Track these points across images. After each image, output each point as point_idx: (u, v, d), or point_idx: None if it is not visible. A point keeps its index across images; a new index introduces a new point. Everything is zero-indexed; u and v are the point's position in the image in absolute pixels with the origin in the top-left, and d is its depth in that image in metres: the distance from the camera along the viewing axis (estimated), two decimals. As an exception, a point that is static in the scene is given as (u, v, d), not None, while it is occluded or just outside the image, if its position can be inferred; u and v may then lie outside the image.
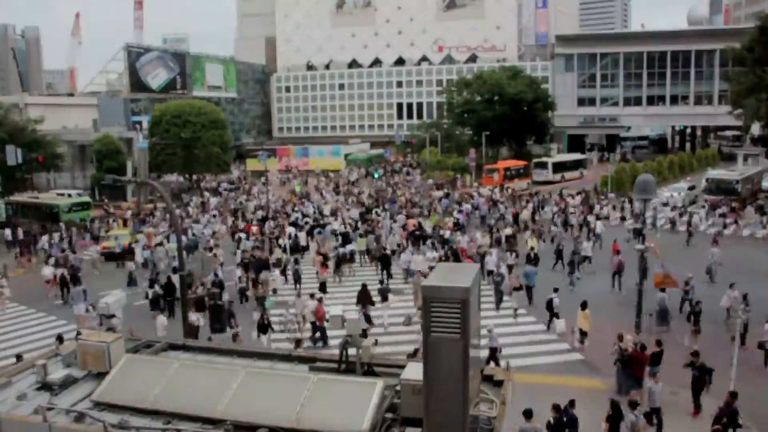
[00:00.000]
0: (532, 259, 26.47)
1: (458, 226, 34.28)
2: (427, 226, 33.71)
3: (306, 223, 36.54)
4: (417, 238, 32.06)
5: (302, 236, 32.91)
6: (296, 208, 43.01)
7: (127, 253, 31.73)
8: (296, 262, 26.89)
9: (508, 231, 32.76)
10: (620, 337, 16.05)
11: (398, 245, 30.43)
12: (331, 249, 30.11)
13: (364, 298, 21.03)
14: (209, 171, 61.91)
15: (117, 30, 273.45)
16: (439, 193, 47.10)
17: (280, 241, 31.82)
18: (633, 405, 12.38)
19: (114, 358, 7.75)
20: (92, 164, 57.00)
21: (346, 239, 31.15)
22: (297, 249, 31.30)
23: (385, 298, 22.13)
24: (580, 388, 15.24)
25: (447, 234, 31.27)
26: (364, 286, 21.68)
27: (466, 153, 60.94)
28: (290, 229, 34.04)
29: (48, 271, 27.63)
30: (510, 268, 24.65)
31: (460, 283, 5.82)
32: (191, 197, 53.30)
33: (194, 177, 63.19)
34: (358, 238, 31.01)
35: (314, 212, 40.83)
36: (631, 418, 12.24)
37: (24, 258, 33.99)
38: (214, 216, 41.92)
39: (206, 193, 55.53)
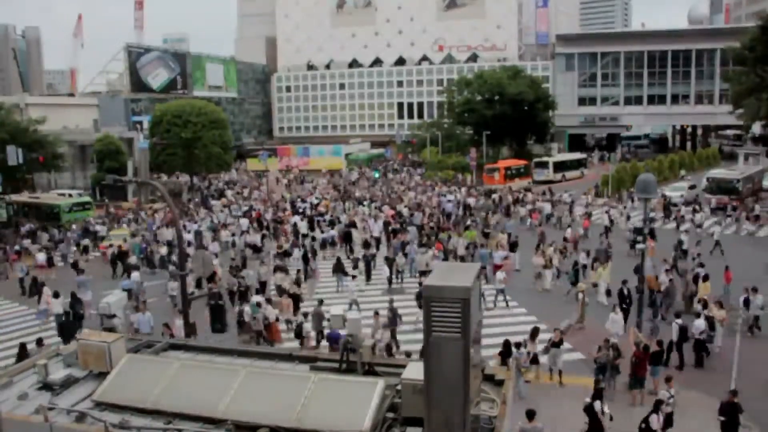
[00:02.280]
0: (626, 297, 20.12)
1: (515, 246, 28.50)
2: (460, 244, 28.44)
3: (303, 212, 39.17)
4: (395, 230, 31.99)
5: (303, 225, 34.49)
6: (300, 199, 45.60)
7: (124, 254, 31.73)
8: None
9: (551, 251, 26.46)
10: (607, 341, 16.07)
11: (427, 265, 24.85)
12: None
13: (338, 268, 25.73)
14: (210, 171, 61.93)
15: (117, 30, 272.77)
16: (448, 204, 40.57)
17: (291, 260, 28.06)
18: (518, 346, 15.55)
19: (115, 358, 7.76)
20: (93, 164, 56.97)
21: (332, 226, 33.96)
22: (297, 235, 33.05)
23: (356, 267, 26.51)
24: (580, 386, 15.22)
25: (499, 254, 26.49)
26: (338, 258, 26.79)
27: (466, 152, 60.90)
28: (295, 218, 36.25)
29: (42, 257, 29.11)
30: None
31: (461, 282, 5.81)
32: (191, 197, 53.27)
33: (208, 176, 64.13)
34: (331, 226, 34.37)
35: (311, 205, 42.66)
36: (516, 354, 15.31)
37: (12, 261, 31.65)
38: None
39: (226, 189, 56.92)
